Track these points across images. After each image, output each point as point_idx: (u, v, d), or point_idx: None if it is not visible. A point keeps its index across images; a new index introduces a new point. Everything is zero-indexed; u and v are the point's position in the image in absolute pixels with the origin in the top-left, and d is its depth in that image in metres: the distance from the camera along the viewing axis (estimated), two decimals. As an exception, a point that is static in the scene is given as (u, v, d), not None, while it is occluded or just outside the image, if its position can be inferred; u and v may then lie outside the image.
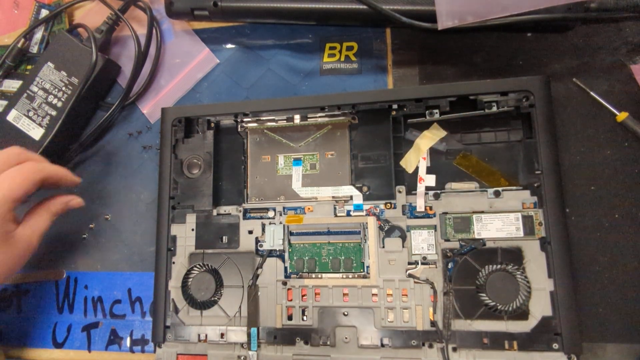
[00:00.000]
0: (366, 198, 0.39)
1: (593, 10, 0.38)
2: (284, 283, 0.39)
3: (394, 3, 0.39)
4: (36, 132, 0.45)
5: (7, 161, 0.35)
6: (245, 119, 0.43)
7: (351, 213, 0.39)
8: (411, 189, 0.39)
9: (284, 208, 0.40)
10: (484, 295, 0.35)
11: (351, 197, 0.39)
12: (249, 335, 0.38)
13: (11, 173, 0.34)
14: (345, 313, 0.37)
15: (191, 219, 0.41)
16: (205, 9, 0.44)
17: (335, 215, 0.39)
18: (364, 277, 0.38)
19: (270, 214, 0.40)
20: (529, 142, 0.38)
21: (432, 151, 0.40)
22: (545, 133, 0.36)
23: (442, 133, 0.40)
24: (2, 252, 0.34)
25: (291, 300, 0.39)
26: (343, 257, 0.39)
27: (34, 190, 0.36)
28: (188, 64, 0.48)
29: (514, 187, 0.37)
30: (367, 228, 0.38)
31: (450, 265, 0.37)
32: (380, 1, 0.39)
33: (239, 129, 0.43)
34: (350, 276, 0.38)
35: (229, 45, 0.48)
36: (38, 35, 0.50)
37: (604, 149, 0.38)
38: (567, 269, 0.34)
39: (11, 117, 0.45)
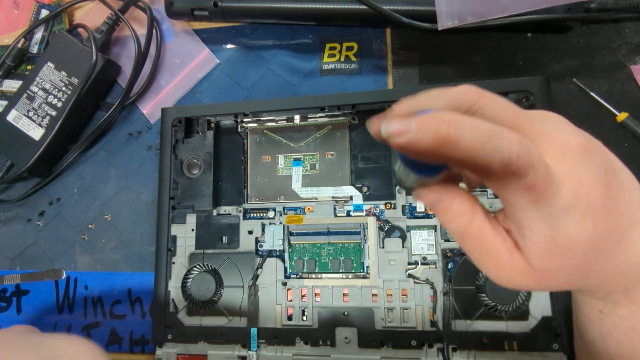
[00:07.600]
0: (366, 198, 0.39)
1: (593, 11, 0.38)
2: (284, 283, 0.39)
3: (394, 3, 0.39)
4: (36, 132, 0.45)
5: None
6: (245, 119, 0.43)
7: (351, 213, 0.39)
8: (411, 189, 0.39)
9: (284, 208, 0.40)
10: (483, 295, 0.35)
11: (351, 198, 0.39)
12: (249, 335, 0.38)
13: None
14: (345, 313, 0.37)
15: (191, 219, 0.41)
16: (205, 9, 0.44)
17: (335, 216, 0.39)
18: (364, 277, 0.38)
19: (270, 214, 0.40)
20: (529, 142, 0.37)
21: (432, 151, 0.40)
22: (545, 133, 0.36)
23: (442, 133, 0.40)
24: None
25: (291, 300, 0.39)
26: (343, 258, 0.39)
27: None
28: (188, 64, 0.48)
29: (514, 187, 0.37)
30: (367, 228, 0.38)
31: (450, 265, 0.37)
32: (380, 1, 0.39)
33: (239, 129, 0.43)
34: (350, 276, 0.38)
35: (229, 45, 0.48)
36: (38, 35, 0.50)
37: (604, 149, 0.38)
38: (567, 269, 0.34)
39: (11, 117, 0.45)
